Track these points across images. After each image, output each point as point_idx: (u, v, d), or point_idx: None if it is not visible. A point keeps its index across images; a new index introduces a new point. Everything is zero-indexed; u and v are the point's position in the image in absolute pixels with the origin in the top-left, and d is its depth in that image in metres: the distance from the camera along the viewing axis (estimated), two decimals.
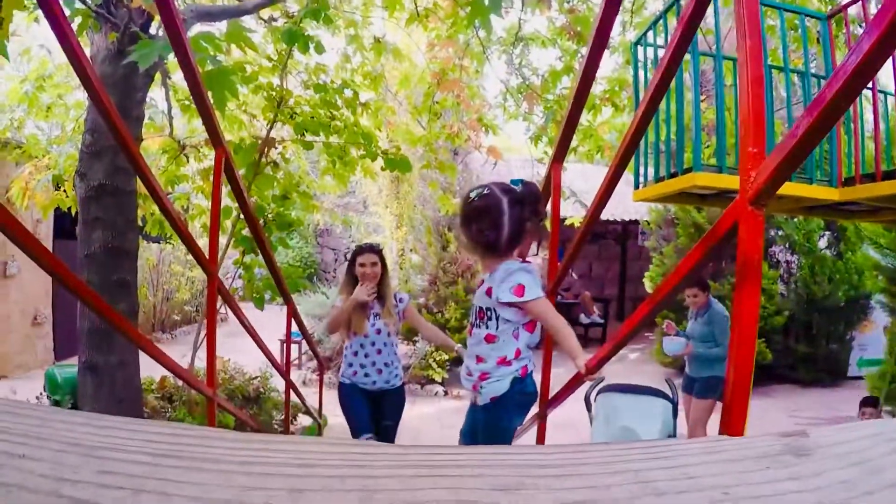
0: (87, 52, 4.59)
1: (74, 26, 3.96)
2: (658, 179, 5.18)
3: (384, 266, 4.32)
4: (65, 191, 6.65)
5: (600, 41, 2.20)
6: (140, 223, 5.60)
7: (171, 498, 0.44)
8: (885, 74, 5.15)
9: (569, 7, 6.78)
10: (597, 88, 7.14)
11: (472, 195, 2.41)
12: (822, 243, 11.22)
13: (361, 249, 4.32)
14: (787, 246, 11.25)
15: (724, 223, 1.20)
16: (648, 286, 11.69)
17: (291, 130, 5.82)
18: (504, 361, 2.44)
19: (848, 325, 11.06)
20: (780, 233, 11.11)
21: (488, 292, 2.40)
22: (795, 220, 10.69)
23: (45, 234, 10.34)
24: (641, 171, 5.52)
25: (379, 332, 4.30)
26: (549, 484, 0.49)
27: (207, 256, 2.93)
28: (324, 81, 6.04)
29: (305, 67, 6.41)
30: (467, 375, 2.55)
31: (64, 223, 9.92)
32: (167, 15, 2.16)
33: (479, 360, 2.47)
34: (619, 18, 7.48)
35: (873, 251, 8.63)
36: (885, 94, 4.95)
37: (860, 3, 4.73)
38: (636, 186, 5.59)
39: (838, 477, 0.55)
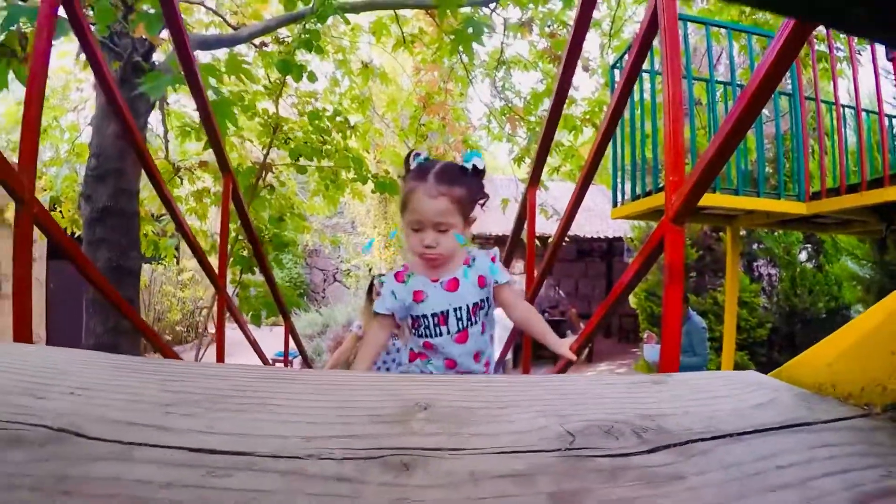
0: (91, 80, 4.84)
1: (82, 56, 4.16)
2: (634, 197, 5.42)
3: None
4: (61, 212, 6.81)
5: (570, 63, 2.42)
6: None
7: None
8: (845, 92, 5.42)
9: (549, 31, 7.07)
10: (577, 110, 7.43)
11: (469, 164, 2.06)
12: (803, 256, 11.46)
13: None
14: (768, 259, 11.51)
15: (654, 238, 1.45)
16: (633, 302, 11.92)
17: (283, 154, 6.04)
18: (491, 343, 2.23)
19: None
20: (762, 246, 11.37)
21: (481, 282, 2.12)
22: (776, 233, 10.97)
23: (39, 255, 10.44)
24: (619, 189, 5.77)
25: (399, 350, 4.64)
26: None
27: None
28: (314, 106, 6.29)
29: (296, 91, 6.66)
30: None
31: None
32: (181, 47, 2.39)
33: (478, 356, 2.17)
34: (598, 41, 7.81)
35: (851, 262, 8.89)
36: (847, 107, 5.17)
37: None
38: (615, 204, 5.81)
39: (682, 394, 0.81)
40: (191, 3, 7.28)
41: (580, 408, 0.73)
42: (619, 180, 5.76)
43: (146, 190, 6.56)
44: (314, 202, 7.60)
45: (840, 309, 11.04)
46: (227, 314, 3.42)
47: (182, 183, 6.58)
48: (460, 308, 2.10)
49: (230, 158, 6.57)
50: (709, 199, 4.78)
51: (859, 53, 5.15)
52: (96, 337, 4.68)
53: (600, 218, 14.51)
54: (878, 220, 4.77)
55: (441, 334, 2.11)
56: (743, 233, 9.89)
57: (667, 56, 1.47)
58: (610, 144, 5.72)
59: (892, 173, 4.11)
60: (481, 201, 2.10)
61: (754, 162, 5.37)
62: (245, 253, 5.30)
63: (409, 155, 2.11)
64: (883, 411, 0.74)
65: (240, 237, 5.18)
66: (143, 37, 4.49)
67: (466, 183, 2.02)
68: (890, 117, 4.92)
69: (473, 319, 2.12)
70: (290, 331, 5.27)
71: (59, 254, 2.02)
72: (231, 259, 5.31)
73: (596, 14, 7.27)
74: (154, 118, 6.45)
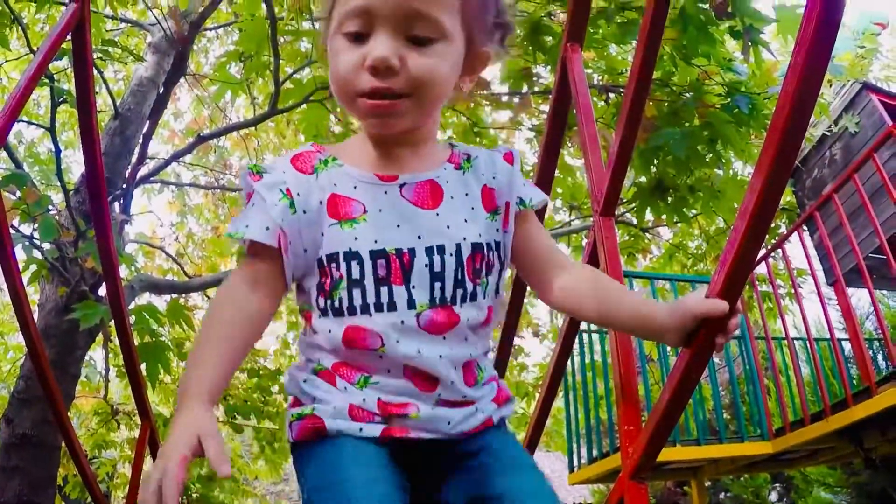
0: (36, 298, 4.71)
1: (29, 273, 4.06)
2: (591, 460, 5.26)
3: None
4: None
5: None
6: (61, 482, 5.29)
7: None
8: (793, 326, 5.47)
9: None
10: (529, 376, 7.54)
11: None
12: (773, 496, 11.04)
13: None
14: None
15: (612, 498, 1.25)
16: None
17: (223, 412, 5.80)
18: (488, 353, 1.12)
19: None
20: (729, 495, 10.95)
21: (488, 199, 1.08)
22: (741, 478, 10.62)
23: None
24: (575, 453, 5.60)
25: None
26: None
27: None
28: (261, 364, 6.16)
29: None
30: (462, 405, 1.01)
31: None
32: (111, 285, 2.31)
33: (473, 370, 1.03)
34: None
35: (824, 493, 8.63)
36: (797, 339, 5.18)
37: (763, 263, 5.12)
38: (571, 469, 5.67)
39: None
40: (152, 248, 7.43)
41: None
42: (574, 444, 5.62)
43: (83, 427, 6.20)
44: (257, 465, 7.21)
45: None
46: None
47: (119, 427, 6.21)
48: (442, 249, 0.98)
49: (171, 409, 6.31)
50: (670, 454, 4.63)
51: (800, 286, 5.27)
52: None
53: (558, 486, 13.94)
54: (847, 443, 4.59)
55: (388, 308, 0.95)
56: (707, 483, 9.53)
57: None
58: (563, 409, 5.67)
59: (854, 392, 4.05)
60: (499, 32, 1.07)
61: (711, 410, 5.27)
62: None
63: None
64: None
65: None
66: (94, 268, 4.42)
67: None
68: (840, 341, 4.94)
69: (471, 282, 1.00)
70: None
71: None
72: None
73: None
74: (99, 356, 6.28)
